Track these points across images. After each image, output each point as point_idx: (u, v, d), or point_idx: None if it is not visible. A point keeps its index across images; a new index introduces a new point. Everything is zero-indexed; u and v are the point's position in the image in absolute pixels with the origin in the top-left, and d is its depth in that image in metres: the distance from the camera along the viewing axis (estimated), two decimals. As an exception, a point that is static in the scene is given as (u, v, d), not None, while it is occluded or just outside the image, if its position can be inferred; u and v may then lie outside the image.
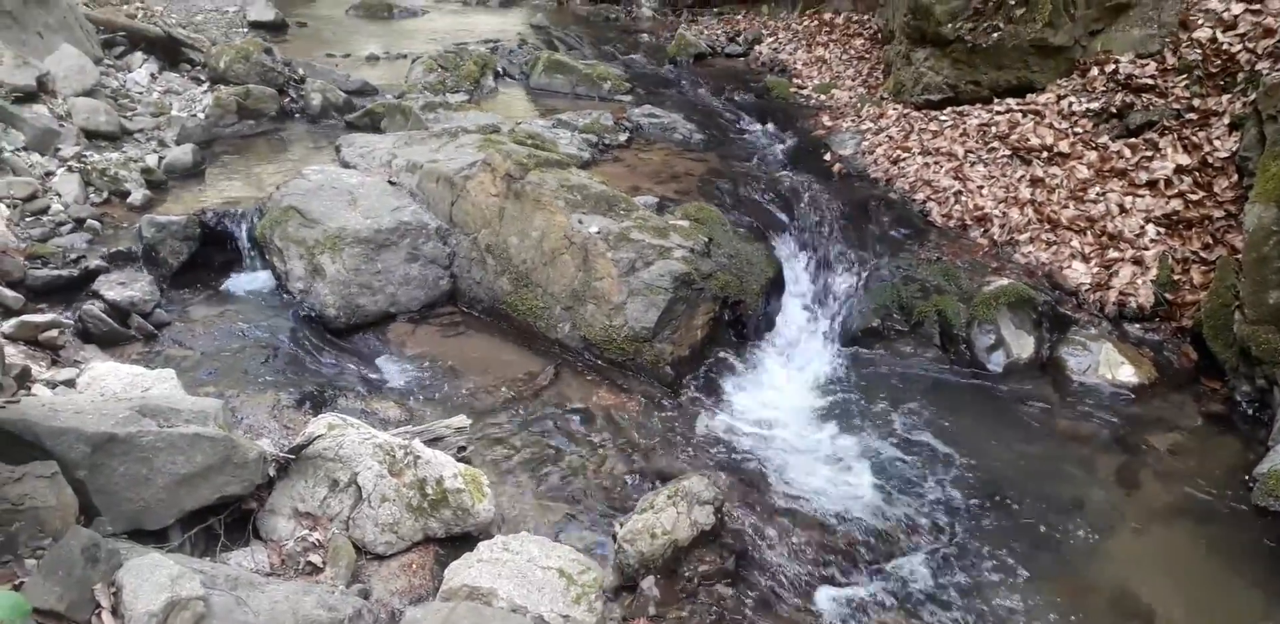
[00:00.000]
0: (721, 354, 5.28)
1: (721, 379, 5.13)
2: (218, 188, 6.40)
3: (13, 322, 4.42)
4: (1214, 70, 6.37)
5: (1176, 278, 5.51)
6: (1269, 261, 4.62)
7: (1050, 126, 6.69)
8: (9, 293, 4.71)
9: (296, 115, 8.03)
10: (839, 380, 5.25)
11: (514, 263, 5.42)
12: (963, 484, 4.39)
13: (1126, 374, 5.16)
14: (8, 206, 5.45)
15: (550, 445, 4.46)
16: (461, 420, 4.19)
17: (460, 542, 3.58)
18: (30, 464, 2.77)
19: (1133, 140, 6.27)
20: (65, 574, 2.50)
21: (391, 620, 3.12)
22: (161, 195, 6.23)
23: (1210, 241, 5.57)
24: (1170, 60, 6.72)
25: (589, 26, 12.22)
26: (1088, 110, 6.67)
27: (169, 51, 8.96)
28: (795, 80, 9.56)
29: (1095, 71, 6.98)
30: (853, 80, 9.29)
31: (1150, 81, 6.61)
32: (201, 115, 7.62)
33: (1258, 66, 6.05)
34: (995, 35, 7.18)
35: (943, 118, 7.45)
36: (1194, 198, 5.75)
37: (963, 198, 6.44)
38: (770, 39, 11.17)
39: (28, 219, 5.50)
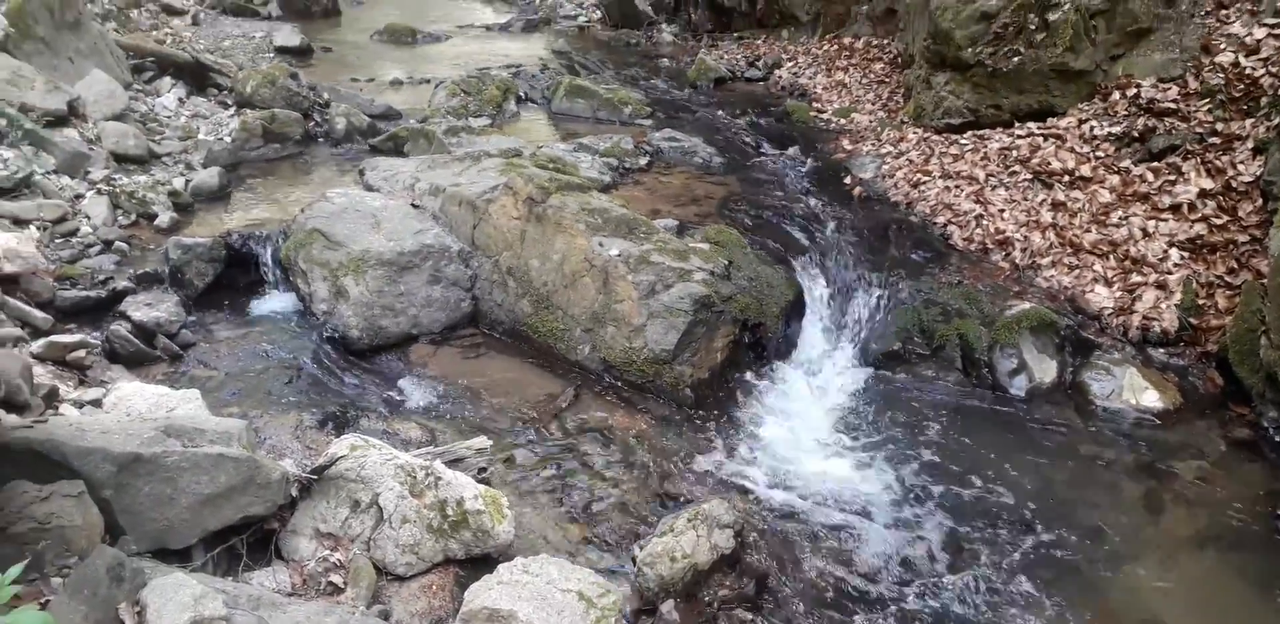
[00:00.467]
0: (742, 377, 5.28)
1: (742, 402, 5.13)
2: (243, 210, 6.48)
3: (42, 342, 4.48)
4: (1237, 94, 6.36)
5: (1201, 302, 5.48)
6: (1295, 286, 4.59)
7: (1072, 150, 6.69)
8: (38, 313, 4.78)
9: (321, 139, 8.13)
10: (860, 404, 5.23)
11: (535, 285, 5.45)
12: (985, 508, 4.35)
13: (1151, 399, 5.12)
14: (38, 229, 5.54)
15: (570, 467, 4.45)
16: (482, 442, 4.20)
17: (480, 563, 3.57)
18: (57, 483, 2.80)
19: (1155, 164, 6.25)
20: (91, 593, 2.51)
21: (411, 642, 3.12)
22: (188, 217, 6.31)
23: (1235, 266, 5.53)
24: (1193, 84, 6.71)
25: (610, 51, 12.34)
26: (1109, 134, 6.66)
27: (197, 76, 9.11)
28: (815, 104, 9.61)
29: (1117, 95, 6.98)
30: (873, 104, 9.33)
31: (1172, 105, 6.60)
32: (228, 139, 7.73)
33: (1281, 90, 6.04)
34: (1016, 60, 7.20)
35: (963, 141, 7.46)
36: (1218, 222, 5.72)
37: (984, 221, 6.43)
38: (790, 63, 11.23)
39: (57, 241, 5.59)
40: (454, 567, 3.56)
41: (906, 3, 9.05)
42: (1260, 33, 6.62)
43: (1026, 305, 5.52)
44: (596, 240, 5.32)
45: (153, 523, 3.00)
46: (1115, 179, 6.31)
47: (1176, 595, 3.87)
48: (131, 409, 3.91)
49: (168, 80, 8.84)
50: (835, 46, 11.26)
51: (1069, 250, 6.00)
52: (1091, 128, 6.80)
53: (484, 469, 4.11)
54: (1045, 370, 5.32)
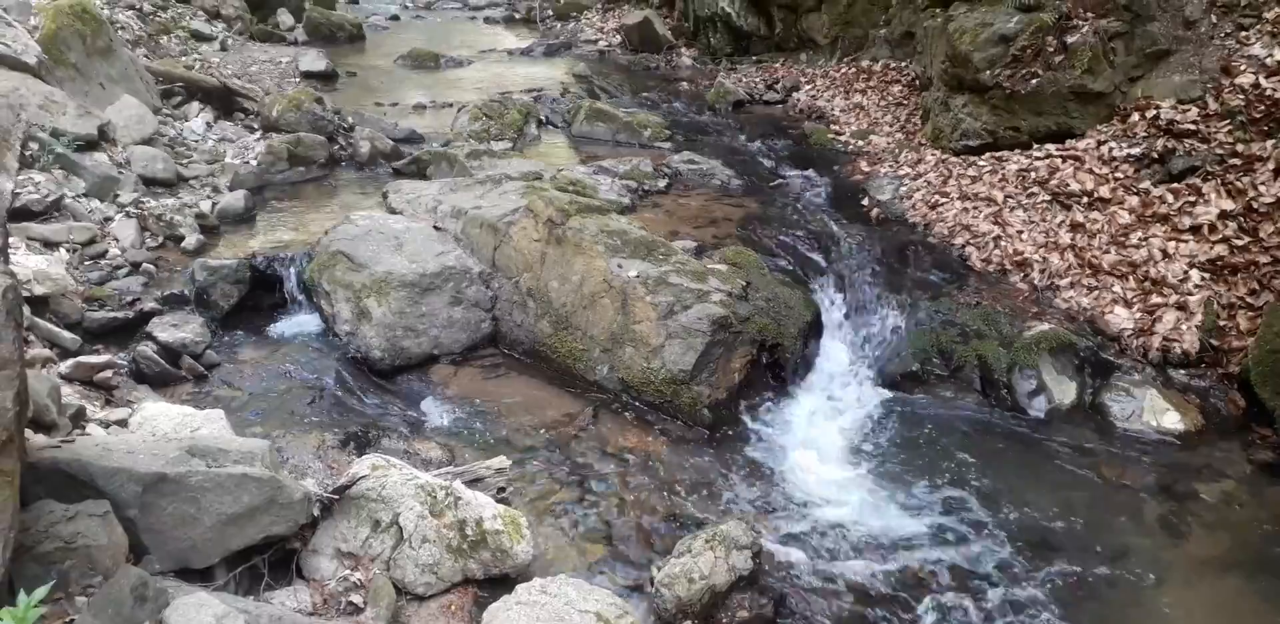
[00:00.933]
0: (759, 397, 5.29)
1: (759, 422, 5.13)
2: (268, 232, 6.58)
3: (70, 362, 4.56)
4: (1257, 116, 6.34)
5: (1222, 324, 5.45)
6: (1316, 307, 4.56)
7: (1090, 172, 6.69)
8: (67, 334, 4.86)
9: (345, 162, 8.24)
10: (878, 425, 5.23)
11: (554, 306, 5.49)
12: (1005, 531, 4.33)
13: (1172, 421, 5.09)
14: (68, 251, 5.64)
15: (588, 487, 4.47)
16: (501, 461, 4.24)
17: (499, 583, 3.59)
18: (83, 503, 2.84)
19: (1175, 185, 6.24)
20: (115, 613, 2.55)
21: (430, 662, 3.13)
22: (214, 240, 6.41)
23: (1257, 287, 5.51)
24: (1212, 106, 6.70)
25: (630, 75, 12.45)
26: (1128, 156, 6.66)
27: (224, 101, 9.26)
28: (833, 127, 9.65)
29: (1136, 117, 6.98)
30: (890, 126, 9.36)
31: (1192, 127, 6.59)
32: (254, 162, 7.85)
33: (1301, 112, 6.03)
34: (1034, 82, 7.22)
35: (981, 163, 7.47)
36: (1239, 243, 5.70)
37: (1002, 242, 6.43)
38: (808, 86, 11.29)
39: (86, 263, 5.69)
40: (473, 587, 3.58)
41: (925, 26, 9.09)
42: (1280, 54, 6.62)
43: (1045, 326, 5.51)
44: (615, 262, 5.37)
45: (176, 542, 3.04)
46: (1134, 200, 6.30)
47: (1199, 618, 3.83)
48: (156, 429, 3.97)
49: (196, 105, 8.99)
50: (853, 69, 11.32)
51: (1088, 271, 5.99)
52: (1110, 149, 6.80)
53: (503, 489, 4.14)
54: (1065, 392, 5.30)
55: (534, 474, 4.52)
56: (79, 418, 3.93)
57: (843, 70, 11.44)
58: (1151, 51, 7.02)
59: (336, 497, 3.52)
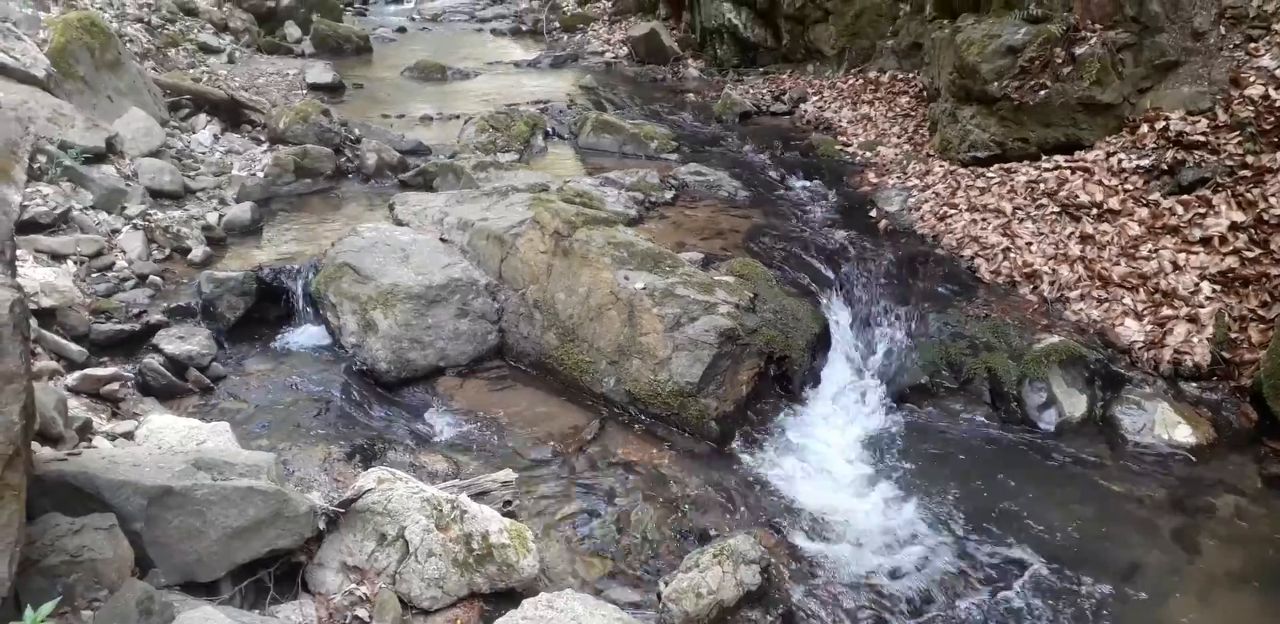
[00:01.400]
0: (767, 410, 5.26)
1: (767, 435, 5.11)
2: (275, 245, 6.58)
3: (76, 375, 4.55)
4: (1267, 127, 6.32)
5: (1234, 336, 5.41)
6: (1329, 320, 4.53)
7: (1100, 183, 6.66)
8: (74, 347, 4.86)
9: (352, 174, 8.25)
10: (887, 437, 5.20)
11: (561, 318, 5.48)
12: (1016, 545, 4.29)
13: (1183, 434, 5.05)
14: (75, 263, 5.65)
15: (594, 500, 4.45)
16: (507, 474, 4.21)
17: (505, 598, 3.56)
18: (89, 516, 2.83)
19: (1185, 197, 6.22)
20: (119, 626, 2.54)
21: (436, 678, 3.11)
22: (221, 252, 6.42)
23: (1268, 299, 5.47)
24: (1222, 117, 6.68)
25: (636, 87, 12.46)
26: (1138, 167, 6.63)
27: (231, 113, 9.30)
28: (840, 138, 9.64)
29: (1145, 128, 6.96)
30: (898, 137, 9.34)
31: (1202, 138, 6.57)
32: (260, 174, 7.87)
33: (1311, 123, 6.00)
34: (1042, 93, 7.20)
35: (990, 174, 7.45)
36: (1250, 255, 5.67)
37: (1011, 254, 6.41)
38: (815, 97, 11.29)
39: (93, 275, 5.69)
40: (479, 601, 3.55)
41: (932, 37, 9.10)
42: (1289, 65, 6.60)
43: (1055, 339, 5.48)
44: (622, 273, 5.35)
45: (182, 556, 3.03)
46: (1144, 212, 6.27)
47: (1214, 636, 3.79)
48: (162, 442, 3.96)
49: (203, 117, 9.03)
50: (860, 80, 11.32)
51: (1098, 283, 5.96)
52: (1120, 160, 6.78)
53: (509, 502, 4.12)
54: (1075, 405, 5.26)
55: (540, 487, 4.50)
56: (86, 430, 3.92)
57: (850, 81, 11.44)
58: (1160, 63, 7.00)
59: (342, 510, 3.50)
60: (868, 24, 11.57)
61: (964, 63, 7.60)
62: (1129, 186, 6.55)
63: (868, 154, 9.00)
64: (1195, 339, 5.43)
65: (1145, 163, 6.63)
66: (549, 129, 9.97)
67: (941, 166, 7.98)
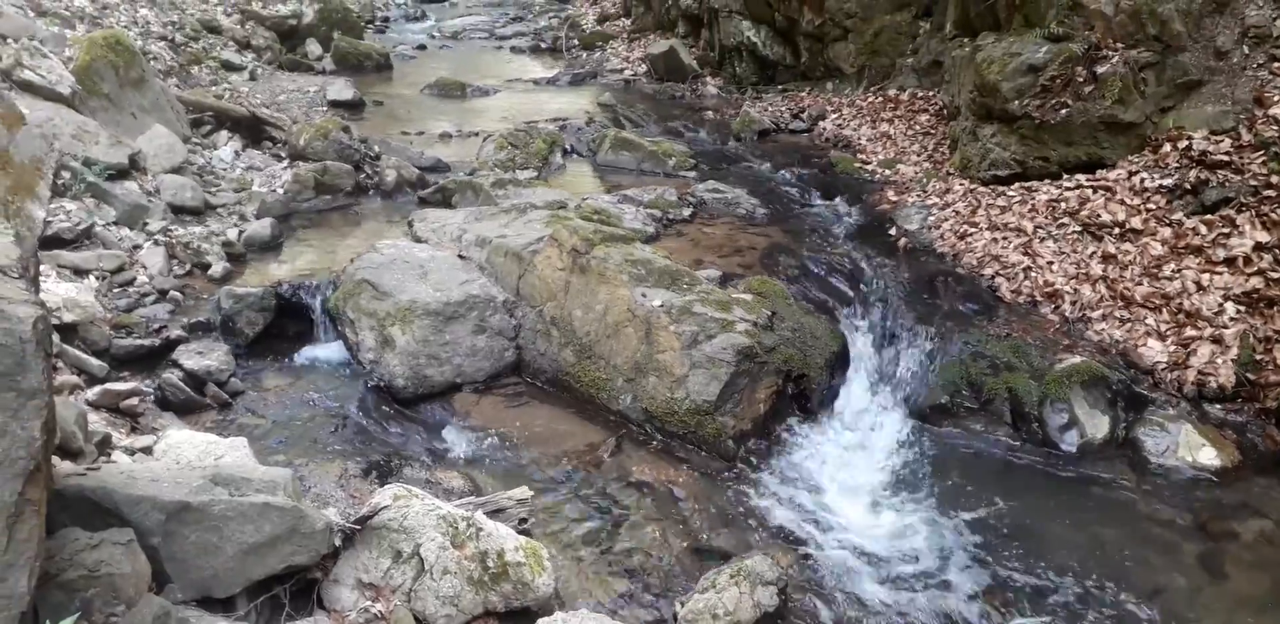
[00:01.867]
0: (785, 428, 5.23)
1: (784, 454, 5.07)
2: (294, 260, 6.62)
3: (96, 389, 4.58)
4: (1291, 146, 6.27)
5: (1259, 357, 5.35)
6: (1357, 341, 4.47)
7: (1122, 202, 6.62)
8: (94, 361, 4.89)
9: (371, 191, 8.29)
10: (906, 457, 5.15)
11: (578, 335, 5.47)
12: (1037, 568, 4.24)
13: (1208, 456, 4.98)
14: (97, 278, 5.69)
15: (610, 519, 4.42)
16: (523, 492, 4.19)
17: (520, 616, 3.54)
18: (108, 531, 2.83)
19: (1209, 217, 6.16)
20: (134, 642, 2.53)
21: (450, 698, 3.08)
22: (240, 267, 6.45)
23: (1293, 320, 5.41)
24: (1246, 136, 6.63)
25: (655, 104, 12.50)
26: (1160, 186, 6.58)
27: (252, 130, 9.38)
28: (859, 156, 9.63)
29: (1168, 148, 6.91)
30: (918, 156, 9.33)
31: (1225, 158, 6.52)
32: (281, 191, 7.92)
33: (1336, 142, 5.95)
34: (1064, 112, 7.17)
35: (1010, 193, 7.41)
36: (1275, 276, 5.60)
37: (1032, 273, 6.36)
38: (834, 115, 11.30)
39: (115, 290, 5.73)
40: (493, 619, 3.53)
41: (952, 55, 9.09)
42: (1313, 84, 6.55)
43: (1077, 359, 5.43)
44: (639, 291, 5.35)
45: (198, 571, 3.02)
46: (1167, 231, 6.22)
47: (1241, 664, 3.72)
48: (181, 457, 3.96)
49: (225, 134, 9.11)
50: (880, 98, 11.32)
51: (1120, 303, 5.90)
52: (1142, 180, 6.73)
53: (525, 520, 4.10)
54: (1097, 426, 5.20)
55: (556, 505, 4.48)
56: (105, 445, 3.93)
57: (869, 99, 11.44)
58: (1183, 82, 6.96)
59: (358, 527, 3.49)
60: (887, 42, 11.58)
61: (984, 81, 7.58)
62: (1151, 206, 6.50)
63: (887, 172, 8.98)
64: (1219, 360, 5.37)
65: (1168, 182, 6.58)
66: (567, 146, 10.00)
67: (962, 185, 7.95)
